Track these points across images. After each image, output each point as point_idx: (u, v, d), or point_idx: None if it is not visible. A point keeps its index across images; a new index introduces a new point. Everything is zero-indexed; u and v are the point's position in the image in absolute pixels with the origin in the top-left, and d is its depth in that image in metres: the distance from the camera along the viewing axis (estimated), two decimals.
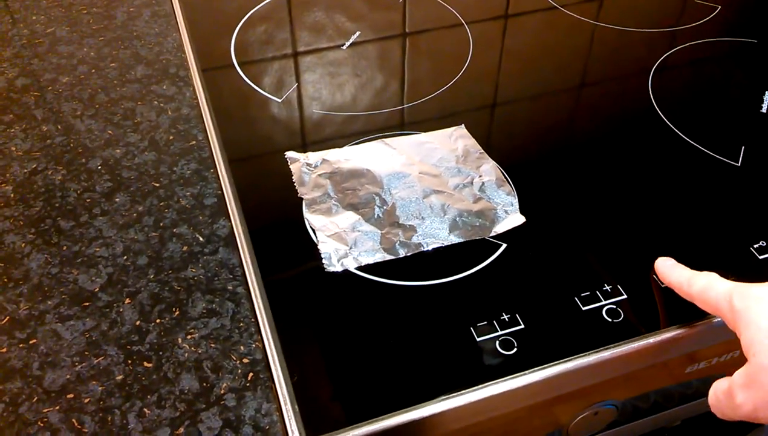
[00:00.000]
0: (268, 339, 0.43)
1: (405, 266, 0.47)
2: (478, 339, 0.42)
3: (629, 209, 0.51)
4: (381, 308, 0.45)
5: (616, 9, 0.75)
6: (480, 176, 0.52)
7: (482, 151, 0.55)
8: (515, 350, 0.42)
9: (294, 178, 0.52)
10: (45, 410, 0.39)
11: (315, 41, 0.68)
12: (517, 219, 0.50)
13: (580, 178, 0.54)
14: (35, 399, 0.39)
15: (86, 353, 0.42)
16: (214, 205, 0.51)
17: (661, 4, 0.76)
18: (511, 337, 0.42)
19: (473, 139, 0.56)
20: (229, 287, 0.46)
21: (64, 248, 0.48)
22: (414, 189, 0.51)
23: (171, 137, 0.56)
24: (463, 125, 0.58)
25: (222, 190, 0.52)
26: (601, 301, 0.45)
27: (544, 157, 0.57)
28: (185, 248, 0.48)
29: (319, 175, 0.52)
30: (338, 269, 0.46)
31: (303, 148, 0.55)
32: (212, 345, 0.42)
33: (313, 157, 0.54)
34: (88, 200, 0.51)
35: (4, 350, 0.42)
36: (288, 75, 0.64)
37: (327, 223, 0.49)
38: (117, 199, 0.51)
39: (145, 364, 0.41)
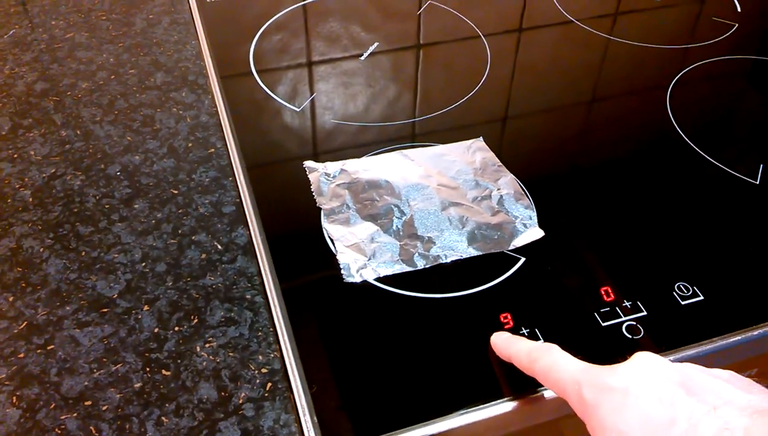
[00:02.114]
0: (286, 349, 0.42)
1: (423, 278, 0.46)
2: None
3: (648, 225, 0.51)
4: (399, 319, 0.44)
5: (632, 24, 0.75)
6: (498, 189, 0.52)
7: (500, 164, 0.55)
8: None
9: (312, 187, 0.52)
10: (63, 417, 0.39)
11: (332, 51, 0.68)
12: (535, 233, 0.49)
13: (598, 193, 0.54)
14: (53, 406, 0.39)
15: (104, 359, 0.42)
16: (232, 213, 0.51)
17: (677, 20, 0.77)
18: None
19: (491, 152, 0.56)
20: (248, 296, 0.46)
21: (83, 253, 0.48)
22: (432, 201, 0.51)
23: (190, 144, 0.56)
24: (481, 138, 0.58)
25: (240, 198, 0.52)
26: (621, 317, 0.44)
27: (562, 171, 0.57)
28: (204, 256, 0.48)
29: (338, 185, 0.52)
30: (357, 280, 0.46)
31: (320, 158, 0.55)
32: (230, 354, 0.42)
33: (332, 166, 0.54)
34: (106, 206, 0.51)
35: (22, 355, 0.42)
36: (306, 84, 0.64)
37: (346, 233, 0.49)
38: (136, 206, 0.51)
39: (164, 372, 0.41)
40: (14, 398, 0.39)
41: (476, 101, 0.63)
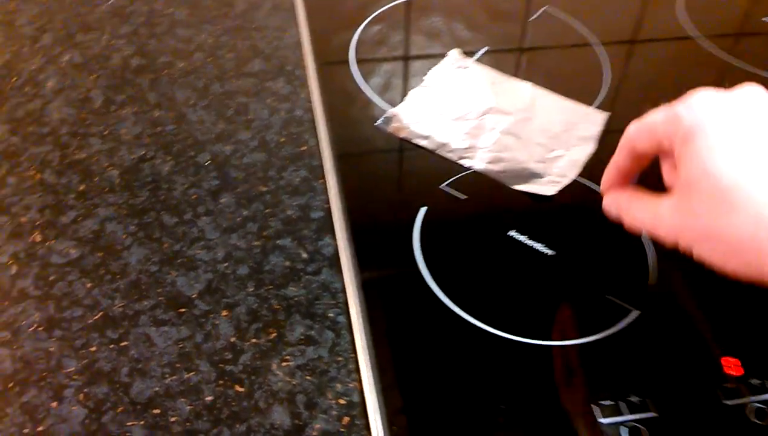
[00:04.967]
0: (367, 380, 0.39)
1: (525, 321, 0.42)
2: (602, 420, 0.37)
3: None
4: (497, 363, 0.40)
5: (760, 48, 0.68)
6: (563, 156, 0.54)
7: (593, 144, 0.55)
8: None
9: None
10: (129, 423, 0.37)
11: (441, 51, 0.64)
12: (547, 190, 0.51)
13: None
14: (120, 409, 0.37)
15: (177, 365, 0.39)
16: (320, 219, 0.48)
17: None
18: (641, 425, 0.37)
19: (597, 131, 0.56)
20: (330, 314, 0.43)
21: (165, 245, 0.45)
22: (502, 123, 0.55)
23: (282, 139, 0.54)
24: (607, 114, 0.57)
25: (330, 204, 0.49)
26: (748, 396, 0.39)
27: None
28: (287, 263, 0.45)
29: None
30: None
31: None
32: (308, 378, 0.39)
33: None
34: (194, 197, 0.49)
35: (94, 348, 0.40)
36: (411, 86, 0.60)
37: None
38: (223, 200, 0.49)
39: (237, 388, 0.39)
40: (81, 395, 0.37)
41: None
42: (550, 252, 0.47)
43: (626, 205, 0.38)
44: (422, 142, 0.53)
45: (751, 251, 0.30)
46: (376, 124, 0.55)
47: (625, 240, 0.48)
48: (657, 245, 0.47)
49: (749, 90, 0.34)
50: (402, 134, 0.54)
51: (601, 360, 0.41)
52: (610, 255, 0.47)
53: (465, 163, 0.52)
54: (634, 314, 0.43)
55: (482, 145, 0.53)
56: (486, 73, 0.60)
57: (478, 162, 0.52)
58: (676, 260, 0.47)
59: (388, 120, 0.55)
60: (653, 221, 0.36)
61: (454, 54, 0.62)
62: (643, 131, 0.37)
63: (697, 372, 0.41)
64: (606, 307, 0.44)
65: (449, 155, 0.53)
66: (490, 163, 0.52)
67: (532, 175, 0.51)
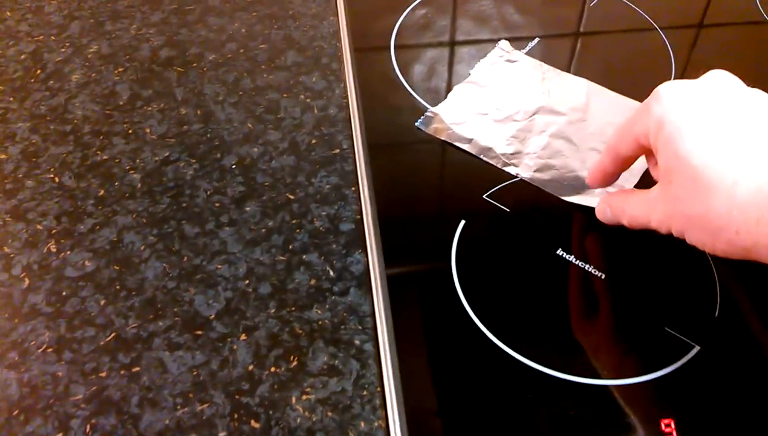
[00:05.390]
0: (394, 419, 0.36)
1: (572, 358, 0.38)
2: None
3: None
4: (546, 405, 0.37)
5: None
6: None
7: None
8: None
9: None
10: None
11: (490, 37, 0.59)
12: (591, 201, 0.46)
13: None
14: None
15: (191, 395, 0.37)
16: (350, 232, 0.45)
17: None
18: None
19: None
20: (356, 341, 0.39)
21: (185, 258, 0.43)
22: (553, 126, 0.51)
23: (314, 141, 0.50)
24: None
25: (362, 215, 0.45)
26: None
27: None
28: (313, 282, 0.42)
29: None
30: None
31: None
32: (329, 414, 0.36)
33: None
34: (217, 205, 0.46)
35: (104, 374, 0.37)
36: (456, 73, 0.55)
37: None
38: (247, 209, 0.46)
39: (253, 423, 0.36)
40: (88, 426, 0.35)
41: None
42: (602, 275, 0.43)
43: (620, 205, 0.40)
44: (464, 146, 0.49)
45: (729, 230, 0.31)
46: (416, 124, 0.51)
47: (688, 263, 0.43)
48: (723, 272, 0.42)
49: (714, 73, 0.36)
50: (443, 136, 0.50)
51: (656, 403, 0.37)
52: (670, 281, 0.43)
53: (510, 170, 0.48)
54: (695, 349, 0.39)
55: (530, 150, 0.49)
56: (537, 67, 0.55)
57: (524, 169, 0.48)
58: (745, 288, 0.42)
59: (429, 120, 0.51)
60: (647, 214, 0.37)
61: (503, 45, 0.57)
62: (622, 135, 0.39)
63: (763, 418, 0.36)
64: (664, 341, 0.39)
65: (493, 161, 0.48)
66: (537, 171, 0.47)
67: (585, 186, 0.46)
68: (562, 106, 0.51)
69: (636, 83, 0.56)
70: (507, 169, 0.48)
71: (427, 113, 0.51)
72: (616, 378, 0.38)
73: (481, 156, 0.49)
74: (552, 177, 0.47)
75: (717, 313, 0.41)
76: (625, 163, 0.41)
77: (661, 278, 0.43)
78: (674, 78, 0.56)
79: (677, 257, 0.43)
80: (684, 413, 0.36)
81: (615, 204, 0.41)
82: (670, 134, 0.34)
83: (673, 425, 0.35)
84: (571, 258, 0.43)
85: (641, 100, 0.38)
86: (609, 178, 0.43)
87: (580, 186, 0.46)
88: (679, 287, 0.42)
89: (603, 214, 0.43)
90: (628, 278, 0.43)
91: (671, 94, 0.35)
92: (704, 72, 0.37)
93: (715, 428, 0.36)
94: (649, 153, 0.38)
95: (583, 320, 0.40)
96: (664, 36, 0.61)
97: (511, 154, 0.48)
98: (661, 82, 0.37)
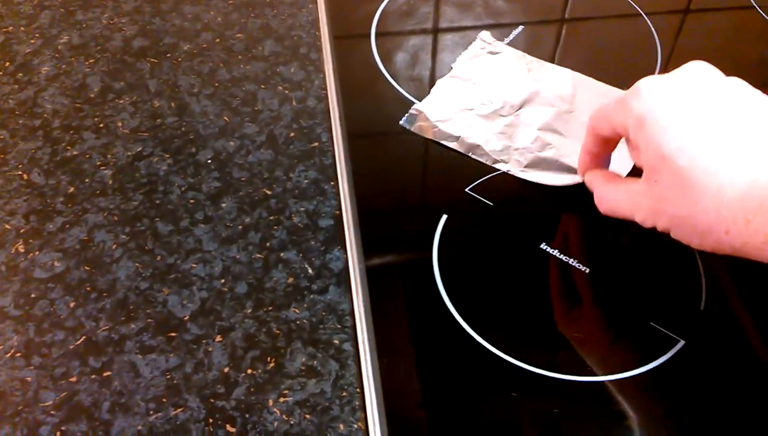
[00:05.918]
0: (374, 421, 0.35)
1: (554, 356, 0.37)
2: None
3: None
4: (529, 402, 0.36)
5: None
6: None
7: None
8: None
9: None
10: None
11: (473, 24, 0.58)
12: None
13: None
14: None
15: (164, 399, 0.36)
16: (329, 228, 0.43)
17: None
18: None
19: None
20: (335, 341, 0.38)
21: (158, 258, 0.41)
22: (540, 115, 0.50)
23: (292, 134, 0.49)
24: None
25: (341, 210, 0.44)
26: None
27: None
28: (291, 280, 0.41)
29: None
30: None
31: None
32: (307, 416, 0.35)
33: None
34: (192, 201, 0.44)
35: (74, 379, 0.36)
36: (439, 61, 0.54)
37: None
38: (223, 205, 0.44)
39: (228, 428, 0.35)
40: (58, 433, 0.34)
41: None
42: (585, 269, 0.42)
43: (600, 190, 0.40)
44: (451, 144, 0.48)
45: (718, 230, 0.31)
46: (400, 123, 0.49)
47: (673, 257, 0.42)
48: (710, 265, 0.41)
49: (692, 66, 0.35)
50: (428, 135, 0.48)
51: (641, 398, 0.36)
52: (654, 275, 0.42)
53: (501, 167, 0.47)
54: (680, 344, 0.38)
55: (519, 144, 0.47)
56: (521, 57, 0.54)
57: (514, 166, 0.46)
58: (731, 282, 0.41)
59: (413, 118, 0.49)
60: (630, 208, 0.37)
61: (484, 36, 0.56)
62: (600, 118, 0.39)
63: (749, 414, 0.35)
64: (649, 336, 0.39)
65: (482, 159, 0.47)
66: (528, 166, 0.46)
67: (576, 173, 0.45)
68: (548, 97, 0.50)
69: (622, 70, 0.55)
70: (497, 166, 0.47)
71: (411, 111, 0.50)
72: (601, 374, 0.37)
73: (470, 154, 0.47)
74: (543, 170, 0.46)
75: (702, 306, 0.40)
76: (608, 143, 0.40)
77: (646, 271, 0.42)
78: (660, 64, 0.55)
79: (662, 251, 0.43)
80: (670, 408, 0.36)
81: (597, 189, 0.41)
82: (653, 133, 0.33)
83: (659, 419, 0.35)
84: (555, 252, 0.42)
85: (627, 89, 0.37)
86: (598, 160, 0.42)
87: (573, 174, 0.45)
88: (664, 280, 0.42)
89: (587, 183, 0.43)
90: (612, 272, 0.42)
91: (651, 90, 0.34)
92: (691, 59, 0.36)
93: (700, 422, 0.35)
94: (627, 139, 0.38)
95: (567, 315, 0.40)
96: (649, 22, 0.60)
97: (500, 150, 0.47)
98: (647, 69, 0.37)
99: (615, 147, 0.41)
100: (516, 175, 0.46)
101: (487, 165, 0.47)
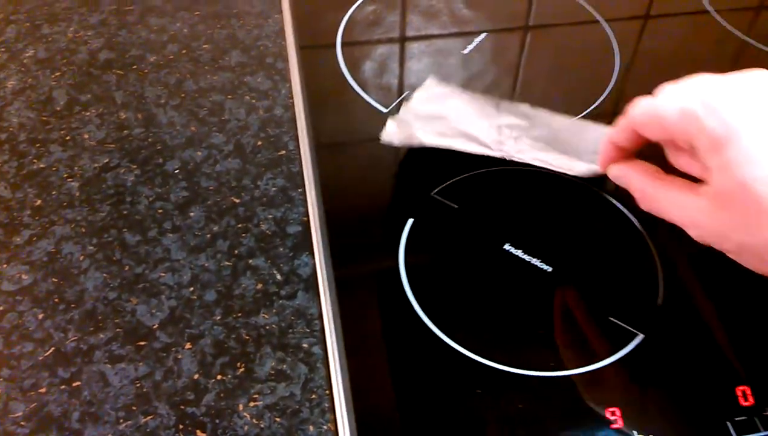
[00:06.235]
0: (343, 422, 0.36)
1: (523, 352, 0.38)
2: None
3: None
4: (495, 399, 0.37)
5: None
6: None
7: None
8: None
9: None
10: None
11: (440, 32, 0.59)
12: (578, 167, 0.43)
13: None
14: None
15: (134, 407, 0.36)
16: (297, 234, 0.44)
17: None
18: None
19: None
20: (304, 345, 0.39)
21: (126, 268, 0.42)
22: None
23: (259, 143, 0.49)
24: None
25: (309, 216, 0.45)
26: (760, 431, 0.35)
27: None
28: (259, 287, 0.41)
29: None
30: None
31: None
32: (277, 419, 0.36)
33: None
34: (159, 211, 0.45)
35: (44, 390, 0.36)
36: (401, 85, 0.55)
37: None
38: (191, 214, 0.45)
39: (199, 433, 0.35)
40: None
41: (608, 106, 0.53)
42: (548, 268, 0.43)
43: (647, 189, 0.37)
44: (446, 142, 0.46)
45: None
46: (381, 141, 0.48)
47: (630, 253, 0.44)
48: (666, 260, 0.43)
49: (761, 76, 0.32)
50: (414, 141, 0.47)
51: (601, 390, 0.37)
52: (613, 272, 0.43)
53: (502, 153, 0.46)
54: (639, 337, 0.39)
55: (513, 145, 0.47)
56: (475, 99, 0.51)
57: (520, 152, 0.46)
58: (688, 275, 0.43)
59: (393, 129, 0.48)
60: (688, 221, 0.34)
61: (430, 83, 0.52)
62: (651, 121, 0.35)
63: (704, 403, 0.37)
64: (608, 330, 0.40)
65: (482, 150, 0.46)
66: (531, 149, 0.46)
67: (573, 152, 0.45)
68: (518, 120, 0.49)
69: (582, 76, 0.57)
70: (497, 154, 0.46)
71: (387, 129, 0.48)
72: (562, 369, 0.38)
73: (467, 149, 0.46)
74: (556, 154, 0.45)
75: (660, 301, 0.41)
76: (643, 142, 0.37)
77: (605, 268, 0.43)
78: (618, 70, 0.57)
79: (620, 247, 0.44)
80: (629, 401, 0.37)
81: (641, 188, 0.37)
82: (734, 159, 0.30)
83: (618, 413, 0.36)
84: (519, 253, 0.43)
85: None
86: (623, 153, 0.39)
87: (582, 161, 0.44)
88: (622, 276, 0.43)
89: (618, 182, 0.39)
90: (573, 269, 0.43)
91: (730, 109, 0.31)
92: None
93: (660, 416, 0.36)
94: (679, 147, 0.35)
95: (530, 314, 0.41)
96: (607, 28, 0.61)
97: (498, 141, 0.46)
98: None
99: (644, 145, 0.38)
100: (526, 161, 0.46)
101: (450, 168, 0.47)
